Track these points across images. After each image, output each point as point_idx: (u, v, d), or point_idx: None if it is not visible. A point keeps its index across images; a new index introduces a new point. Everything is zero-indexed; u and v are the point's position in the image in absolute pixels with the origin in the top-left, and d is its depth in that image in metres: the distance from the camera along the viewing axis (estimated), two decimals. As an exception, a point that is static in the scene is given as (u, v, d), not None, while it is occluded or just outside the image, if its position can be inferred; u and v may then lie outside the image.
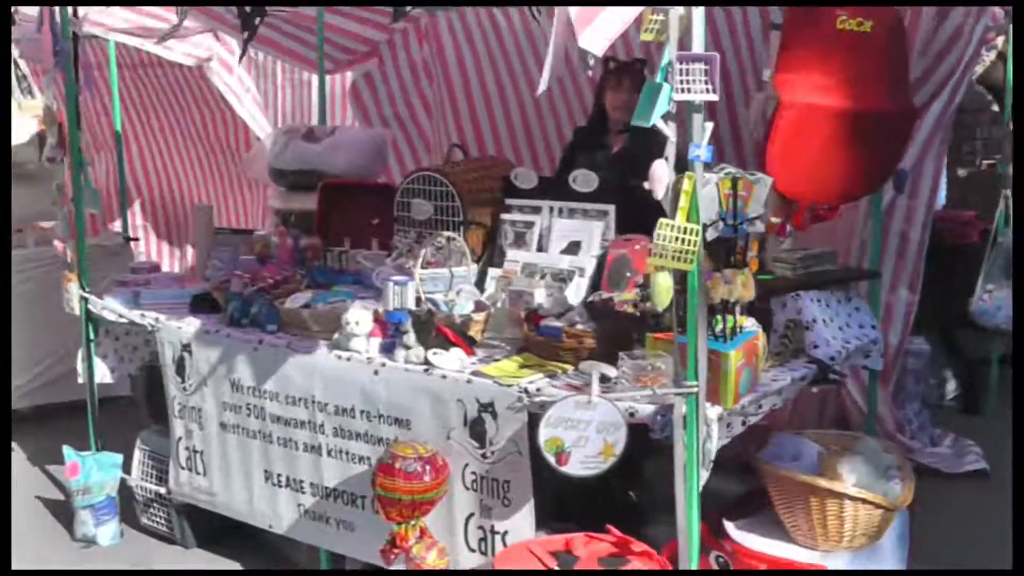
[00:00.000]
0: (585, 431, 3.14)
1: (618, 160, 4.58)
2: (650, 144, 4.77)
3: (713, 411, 3.06)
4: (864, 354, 4.04)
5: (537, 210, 4.49)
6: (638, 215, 4.39)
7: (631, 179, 4.40)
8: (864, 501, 3.37)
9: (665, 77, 2.93)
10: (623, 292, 3.98)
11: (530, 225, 4.48)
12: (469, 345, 3.69)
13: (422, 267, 4.21)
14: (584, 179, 4.39)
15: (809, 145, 3.78)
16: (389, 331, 3.75)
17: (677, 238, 2.94)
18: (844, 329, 3.96)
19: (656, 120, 2.93)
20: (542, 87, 2.95)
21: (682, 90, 2.90)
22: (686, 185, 2.96)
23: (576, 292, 4.11)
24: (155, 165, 7.69)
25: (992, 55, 6.34)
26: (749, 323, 3.30)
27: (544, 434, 3.19)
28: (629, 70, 4.71)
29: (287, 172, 5.12)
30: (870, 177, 3.95)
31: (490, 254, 4.48)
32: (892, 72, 3.91)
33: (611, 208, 4.32)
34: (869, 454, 3.60)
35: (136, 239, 6.79)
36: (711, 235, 3.32)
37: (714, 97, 2.88)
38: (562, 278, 4.14)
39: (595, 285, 4.14)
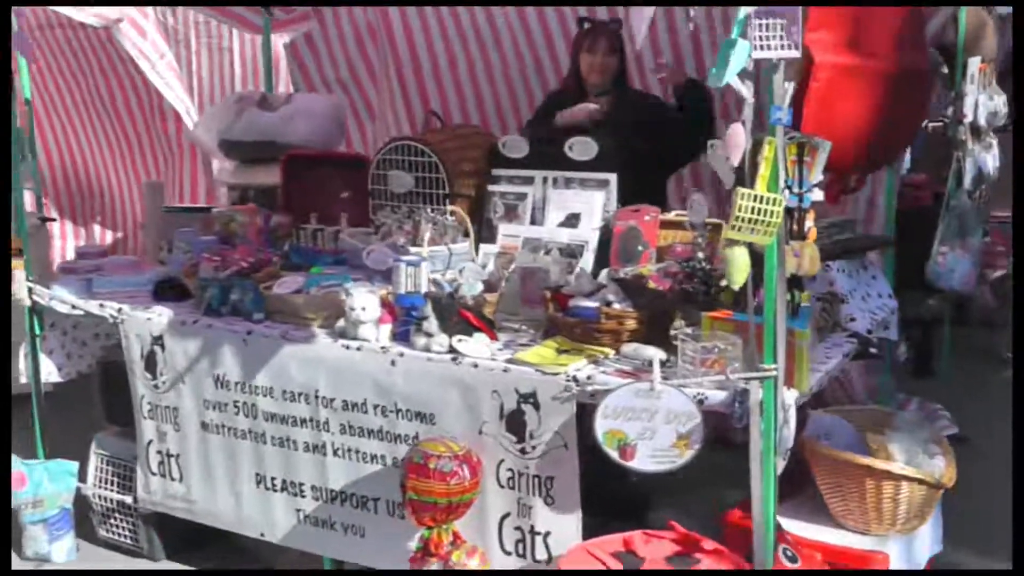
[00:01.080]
0: (650, 422, 2.90)
1: (598, 125, 4.31)
2: (637, 107, 4.61)
3: (790, 395, 2.85)
4: (884, 325, 3.90)
5: (529, 180, 4.20)
6: (638, 182, 4.17)
7: (627, 143, 4.17)
8: (920, 481, 3.22)
9: (742, 33, 2.68)
10: (637, 266, 3.74)
11: (522, 197, 4.19)
12: (492, 329, 3.39)
13: (418, 242, 3.89)
14: (582, 147, 4.11)
15: (846, 109, 3.58)
16: (401, 316, 3.42)
17: (756, 208, 2.70)
18: (867, 299, 3.82)
19: (731, 79, 2.67)
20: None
21: (761, 47, 2.65)
22: (766, 151, 2.72)
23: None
24: (65, 138, 7.05)
25: (941, 18, 6.30)
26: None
27: (602, 426, 2.94)
28: (604, 31, 4.44)
29: (242, 144, 4.67)
30: (905, 140, 3.80)
31: (478, 229, 4.17)
32: (914, 27, 3.75)
33: (612, 177, 4.07)
34: (909, 429, 3.46)
35: (52, 219, 6.18)
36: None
37: (796, 54, 2.65)
38: (571, 252, 3.87)
39: (602, 260, 3.89)
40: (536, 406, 3.11)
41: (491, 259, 4.01)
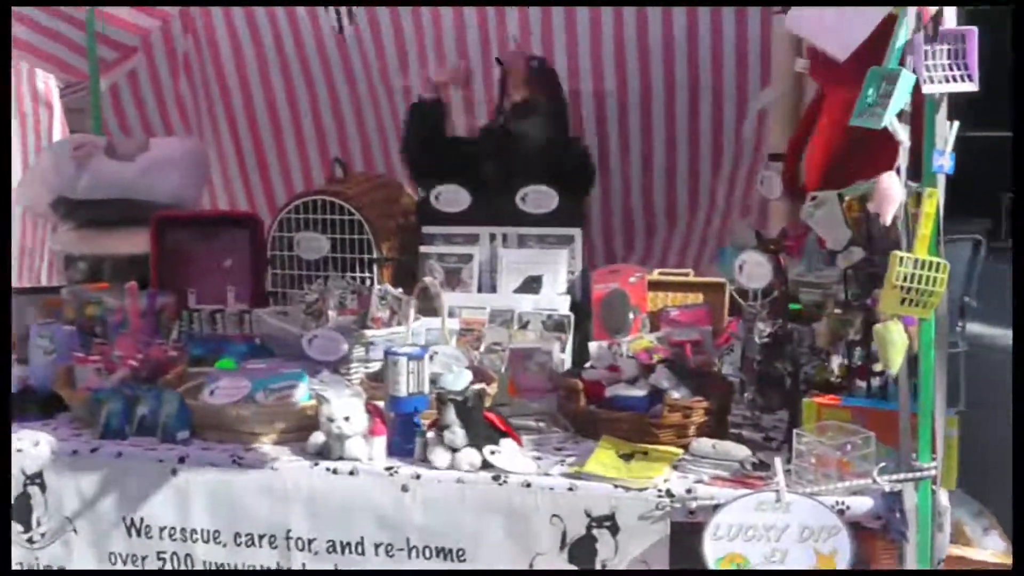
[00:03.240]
0: (779, 542, 2.34)
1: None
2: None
3: (944, 496, 2.38)
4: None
5: (472, 239, 3.53)
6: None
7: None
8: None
9: (900, 61, 2.19)
10: (631, 338, 3.17)
11: (466, 259, 3.51)
12: (518, 434, 2.69)
13: (368, 323, 3.12)
14: (538, 197, 3.49)
15: (848, 143, 3.20)
16: (396, 426, 2.65)
17: (915, 275, 2.21)
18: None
19: (889, 120, 2.18)
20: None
21: (929, 79, 2.18)
22: (927, 206, 2.23)
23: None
24: None
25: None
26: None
27: (715, 551, 2.35)
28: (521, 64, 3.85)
29: (89, 203, 3.64)
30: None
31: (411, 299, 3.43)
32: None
33: (576, 232, 3.49)
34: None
35: None
36: (843, 263, 2.68)
37: (972, 87, 2.19)
38: (558, 325, 3.23)
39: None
40: (614, 530, 2.46)
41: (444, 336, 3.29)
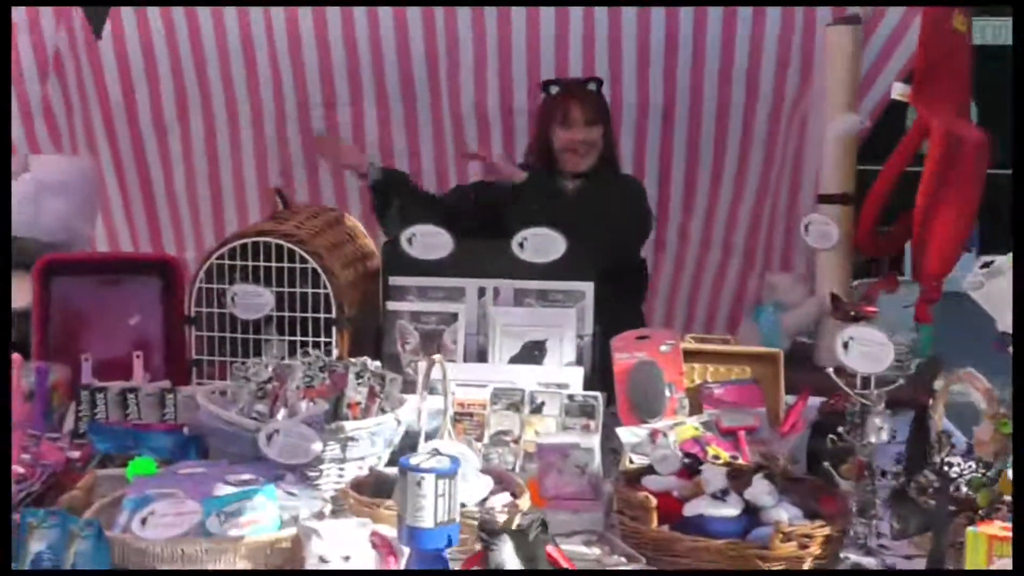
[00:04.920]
0: None
1: (573, 212, 3.06)
2: (616, 186, 3.34)
3: None
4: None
5: (456, 294, 2.81)
6: (621, 289, 2.96)
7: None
8: None
9: None
10: (668, 422, 2.53)
11: (448, 319, 2.78)
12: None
13: (343, 411, 2.35)
14: (540, 243, 2.80)
15: (958, 189, 2.67)
16: (414, 563, 1.91)
17: None
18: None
19: None
20: None
21: None
22: None
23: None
24: None
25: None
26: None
27: None
28: (579, 93, 3.22)
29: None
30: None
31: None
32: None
33: (588, 287, 2.81)
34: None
35: None
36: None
37: None
38: (584, 409, 2.53)
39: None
40: None
41: (426, 422, 2.54)
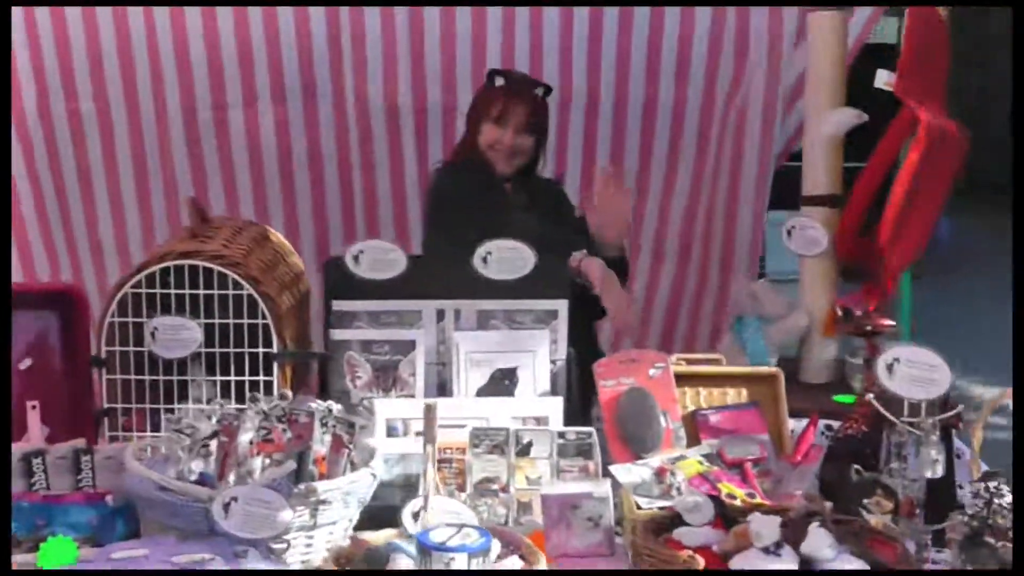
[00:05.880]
0: None
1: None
2: (541, 190, 3.03)
3: None
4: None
5: (411, 318, 2.46)
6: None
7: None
8: None
9: None
10: (667, 456, 2.25)
11: (404, 348, 2.42)
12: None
13: (310, 468, 1.97)
14: (507, 257, 2.47)
15: (936, 182, 2.48)
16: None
17: None
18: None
19: None
20: None
21: None
22: None
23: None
24: None
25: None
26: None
27: None
28: (524, 94, 2.89)
29: None
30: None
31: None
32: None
33: (561, 305, 2.50)
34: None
35: None
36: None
37: None
38: (581, 449, 2.21)
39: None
40: None
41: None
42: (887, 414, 1.97)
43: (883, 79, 2.40)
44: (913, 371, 1.95)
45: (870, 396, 1.99)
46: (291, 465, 1.93)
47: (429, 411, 1.89)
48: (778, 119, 3.41)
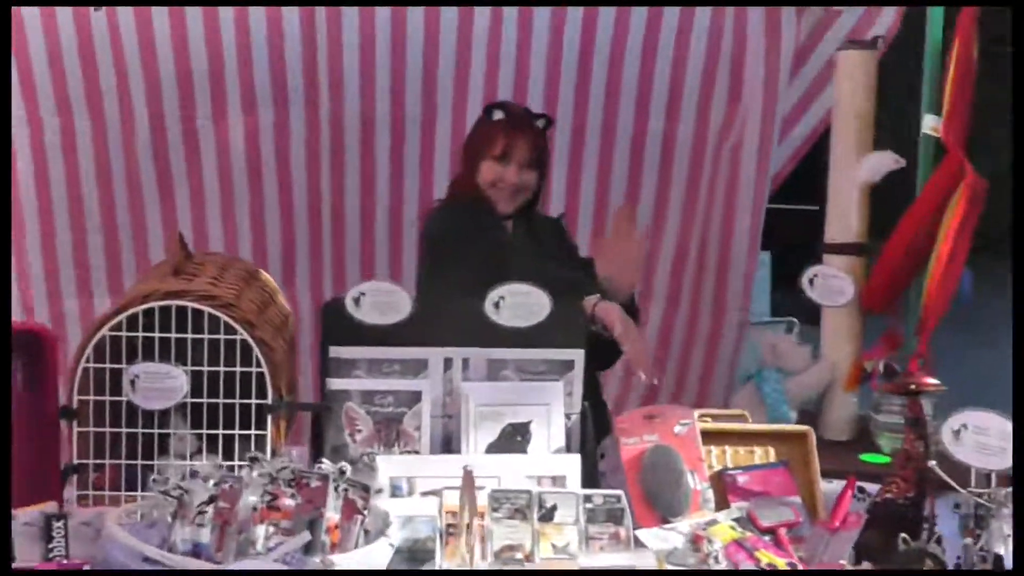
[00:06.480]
0: None
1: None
2: (544, 229, 2.84)
3: None
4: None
5: (416, 367, 2.25)
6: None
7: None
8: None
9: None
10: (698, 521, 2.08)
11: (409, 400, 2.21)
12: None
13: (322, 537, 1.75)
14: (517, 302, 2.28)
15: (969, 235, 2.37)
16: None
17: None
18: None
19: None
20: None
21: None
22: None
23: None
24: None
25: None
26: None
27: None
28: (526, 128, 2.70)
29: None
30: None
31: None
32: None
33: (578, 354, 2.31)
34: None
35: None
36: None
37: None
38: (615, 514, 2.02)
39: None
40: None
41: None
42: (952, 482, 1.82)
43: (929, 124, 2.28)
44: (981, 438, 1.80)
45: (932, 463, 1.84)
46: (306, 536, 1.70)
47: (468, 477, 1.68)
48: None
